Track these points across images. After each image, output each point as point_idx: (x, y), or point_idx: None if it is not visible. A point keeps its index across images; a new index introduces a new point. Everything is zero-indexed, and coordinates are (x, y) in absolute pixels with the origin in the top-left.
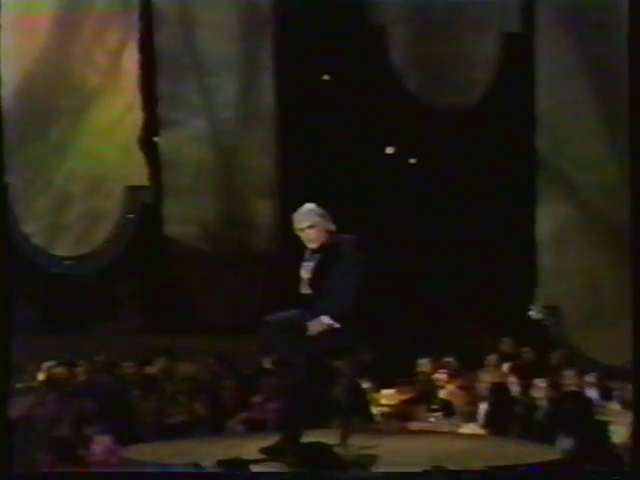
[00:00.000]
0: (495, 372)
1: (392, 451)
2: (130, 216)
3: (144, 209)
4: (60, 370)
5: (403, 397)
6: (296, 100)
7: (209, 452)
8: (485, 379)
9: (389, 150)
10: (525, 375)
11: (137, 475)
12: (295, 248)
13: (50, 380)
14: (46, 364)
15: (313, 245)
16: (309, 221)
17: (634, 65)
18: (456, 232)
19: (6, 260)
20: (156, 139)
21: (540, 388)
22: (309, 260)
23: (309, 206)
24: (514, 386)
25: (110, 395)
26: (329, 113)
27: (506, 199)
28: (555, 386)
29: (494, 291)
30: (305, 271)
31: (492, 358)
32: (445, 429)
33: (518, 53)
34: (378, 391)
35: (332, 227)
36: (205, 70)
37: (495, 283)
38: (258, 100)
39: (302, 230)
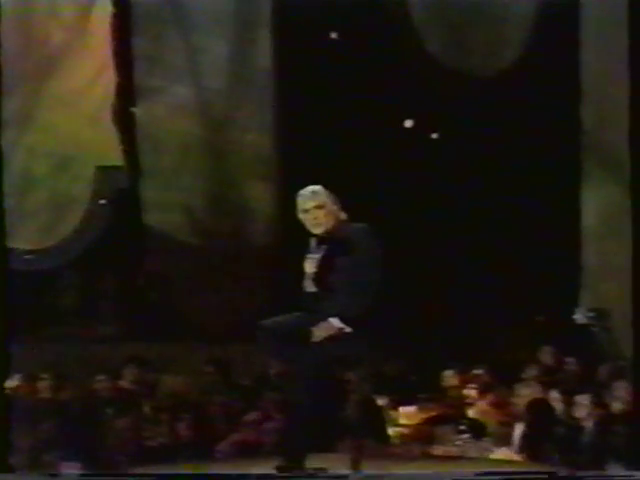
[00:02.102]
0: (533, 387)
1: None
2: (102, 202)
3: (119, 194)
4: (20, 385)
5: (425, 416)
6: (298, 64)
7: None
8: (522, 395)
9: (407, 124)
10: (569, 390)
11: (141, 476)
12: (297, 238)
13: (8, 397)
14: None
15: (319, 229)
16: (316, 201)
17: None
18: (486, 221)
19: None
20: (132, 110)
21: (586, 406)
22: (314, 252)
23: (316, 187)
24: (556, 403)
25: (79, 414)
26: (337, 79)
27: (545, 182)
28: (604, 404)
29: (532, 291)
30: (310, 265)
31: (530, 370)
32: (474, 454)
33: (559, 7)
34: (396, 409)
35: (342, 215)
36: (190, 27)
37: (533, 281)
38: (253, 63)
39: (307, 211)
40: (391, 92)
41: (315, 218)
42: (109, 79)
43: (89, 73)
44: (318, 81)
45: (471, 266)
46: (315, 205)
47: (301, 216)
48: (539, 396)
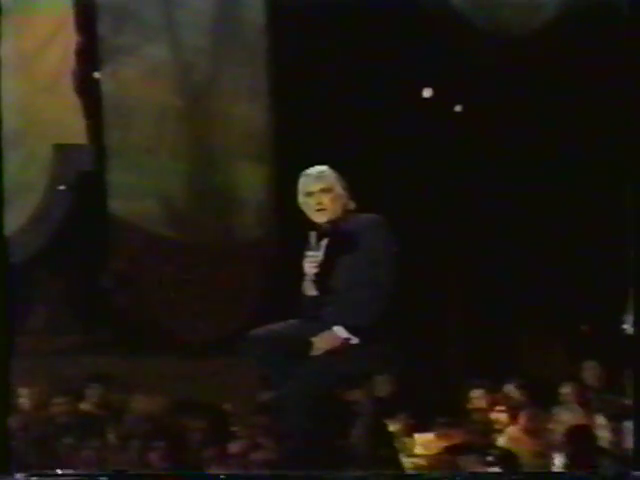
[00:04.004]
0: (575, 410)
1: None
2: (61, 187)
3: (81, 177)
4: None
5: (446, 444)
6: (296, 18)
7: None
8: (561, 419)
9: (426, 93)
10: (618, 415)
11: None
12: (295, 232)
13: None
14: None
15: (322, 217)
16: (323, 183)
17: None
18: (519, 212)
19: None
20: (96, 75)
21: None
22: (316, 249)
23: (324, 167)
24: (602, 431)
25: (31, 444)
26: (343, 39)
27: (587, 165)
28: None
29: (572, 295)
30: (310, 264)
31: (571, 389)
32: None
33: None
34: (411, 435)
35: (350, 204)
36: None
37: (574, 284)
38: (242, 18)
39: (310, 195)
40: (407, 55)
41: (319, 203)
42: (68, 37)
43: (44, 30)
44: (321, 40)
45: (501, 265)
46: (321, 188)
47: (302, 200)
48: (582, 421)
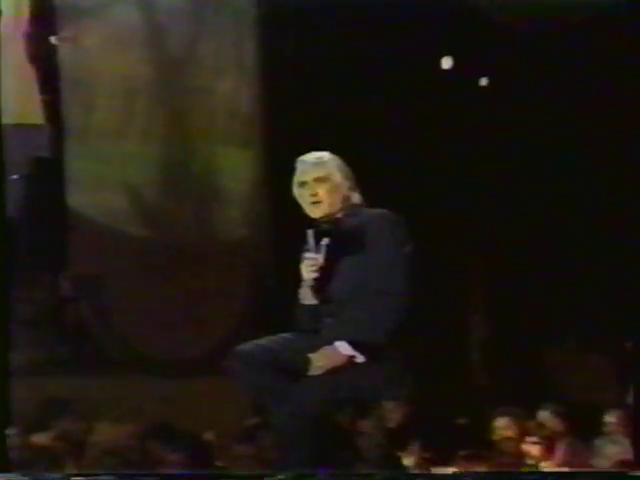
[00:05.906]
0: (620, 442)
1: None
2: (14, 177)
3: (36, 164)
4: None
5: None
6: None
7: None
8: (605, 453)
9: (445, 64)
10: None
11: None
12: (290, 230)
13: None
14: None
15: (317, 212)
16: (320, 171)
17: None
18: (553, 206)
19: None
20: (53, 42)
21: None
22: (315, 250)
23: (324, 153)
24: None
25: None
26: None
27: (634, 152)
28: None
29: (616, 307)
30: (308, 268)
31: (616, 417)
32: None
33: None
34: (428, 470)
35: (355, 197)
36: None
37: (618, 292)
38: None
39: (304, 185)
40: (424, 20)
41: (313, 195)
42: None
43: None
44: (321, 3)
45: (532, 270)
46: (316, 177)
47: (296, 192)
48: (629, 456)
